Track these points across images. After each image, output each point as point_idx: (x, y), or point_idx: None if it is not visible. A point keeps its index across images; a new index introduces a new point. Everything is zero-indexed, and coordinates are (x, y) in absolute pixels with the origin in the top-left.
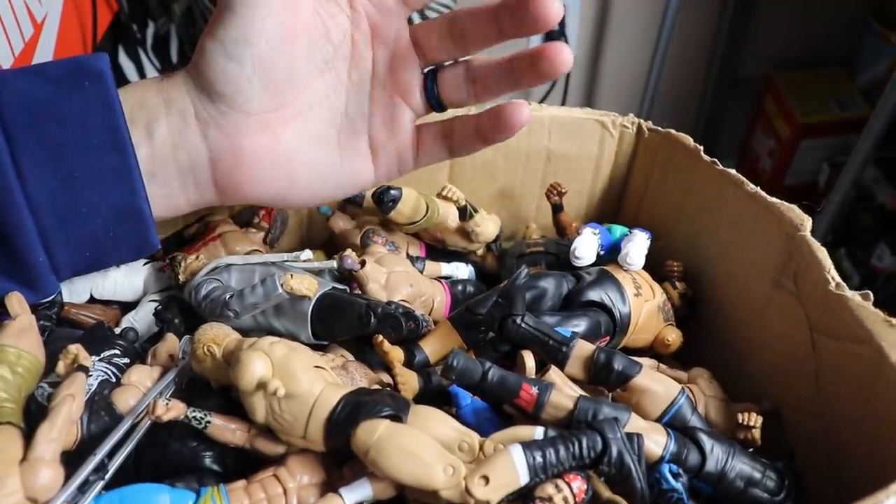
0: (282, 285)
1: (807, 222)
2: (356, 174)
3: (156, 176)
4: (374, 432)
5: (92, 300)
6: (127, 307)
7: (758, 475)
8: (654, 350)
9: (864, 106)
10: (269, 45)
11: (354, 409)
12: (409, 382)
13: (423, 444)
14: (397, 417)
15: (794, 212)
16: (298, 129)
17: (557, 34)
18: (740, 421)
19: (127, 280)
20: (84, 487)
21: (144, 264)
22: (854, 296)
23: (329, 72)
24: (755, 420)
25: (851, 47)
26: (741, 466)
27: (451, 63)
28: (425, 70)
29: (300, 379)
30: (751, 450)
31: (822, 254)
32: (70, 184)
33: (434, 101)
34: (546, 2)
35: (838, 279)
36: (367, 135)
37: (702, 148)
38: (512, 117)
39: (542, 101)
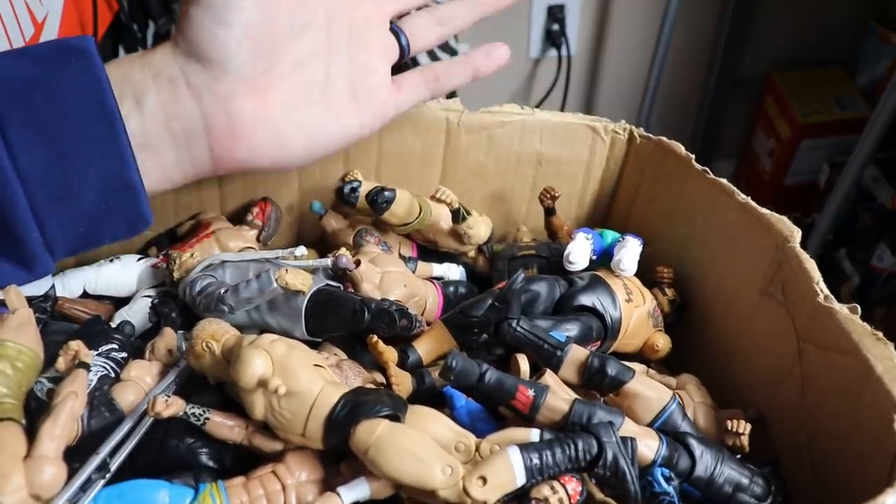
0: (276, 280)
1: (796, 234)
2: (344, 128)
3: (149, 147)
4: (374, 432)
5: (85, 295)
6: (119, 303)
7: (745, 481)
8: (642, 355)
9: (864, 106)
10: (258, 8)
11: (354, 408)
12: (403, 383)
13: (421, 444)
14: (396, 417)
15: (784, 223)
16: (286, 91)
17: (558, 34)
18: (729, 428)
19: (121, 275)
20: (86, 486)
21: (138, 260)
22: (842, 308)
23: (308, 33)
24: (744, 427)
25: (851, 47)
26: (729, 472)
27: (415, 13)
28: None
29: (300, 377)
30: (738, 456)
31: (811, 265)
32: (60, 157)
33: (406, 50)
34: None
35: (826, 292)
36: (349, 90)
37: (693, 156)
38: (500, 54)
39: (542, 99)
